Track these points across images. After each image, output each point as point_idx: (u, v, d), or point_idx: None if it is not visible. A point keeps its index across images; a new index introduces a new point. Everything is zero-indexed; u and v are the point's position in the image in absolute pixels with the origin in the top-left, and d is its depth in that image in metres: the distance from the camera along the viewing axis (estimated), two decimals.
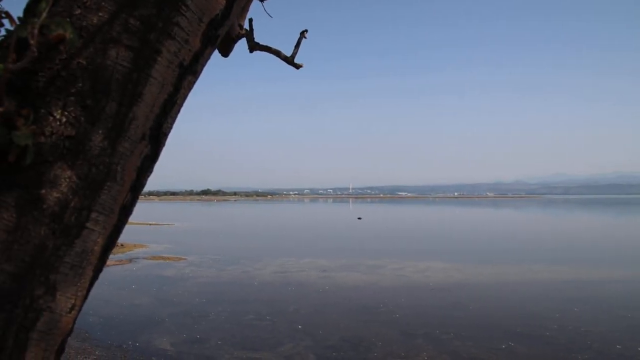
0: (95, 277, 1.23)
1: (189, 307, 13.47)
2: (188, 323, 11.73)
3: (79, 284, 1.16)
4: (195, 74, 1.39)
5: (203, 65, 1.43)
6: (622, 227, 51.36)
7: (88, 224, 1.14)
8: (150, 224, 47.86)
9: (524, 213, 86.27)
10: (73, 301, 1.15)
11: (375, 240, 34.01)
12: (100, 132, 1.13)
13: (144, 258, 22.95)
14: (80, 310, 1.20)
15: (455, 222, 58.17)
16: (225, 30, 1.45)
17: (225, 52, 3.74)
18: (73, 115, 1.10)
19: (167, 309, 13.24)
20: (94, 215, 1.15)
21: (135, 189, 1.27)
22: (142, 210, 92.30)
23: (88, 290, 1.22)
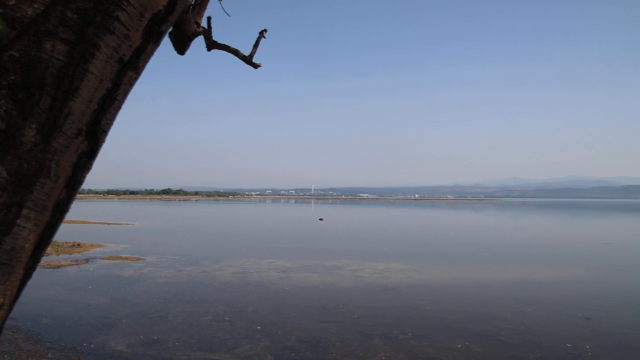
0: (27, 276, 1.20)
1: (146, 307, 13.27)
2: (145, 324, 11.55)
3: (7, 283, 1.12)
4: (137, 70, 1.36)
5: (145, 62, 1.40)
6: (573, 229, 52.81)
7: (18, 221, 1.11)
8: (108, 224, 47.02)
9: (482, 215, 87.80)
10: (2, 300, 1.12)
11: (336, 241, 34.13)
12: (32, 126, 1.10)
13: (101, 258, 22.51)
14: (10, 309, 1.16)
15: (415, 224, 58.82)
16: (169, 26, 1.43)
17: (181, 50, 3.70)
18: (3, 108, 1.07)
19: (124, 309, 13.01)
20: (25, 212, 1.12)
21: (72, 186, 1.25)
22: (100, 209, 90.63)
23: (19, 290, 1.18)
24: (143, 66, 1.41)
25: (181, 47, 3.65)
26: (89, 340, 10.17)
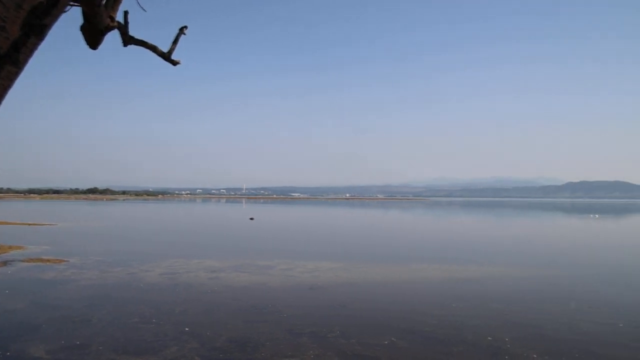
0: None
1: (69, 311, 12.83)
2: (67, 328, 11.18)
3: None
4: (17, 64, 1.33)
5: (28, 56, 1.38)
6: (496, 227, 54.90)
7: None
8: (28, 224, 45.00)
9: (410, 214, 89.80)
10: None
11: (267, 240, 34.10)
12: None
13: (20, 260, 21.54)
14: None
15: (345, 223, 59.48)
16: (54, 20, 1.41)
17: (93, 44, 3.60)
18: None
19: (44, 314, 12.54)
20: None
21: None
22: (20, 209, 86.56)
23: None
24: (25, 60, 1.38)
25: (93, 41, 3.57)
26: (5, 348, 9.74)
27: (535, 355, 9.59)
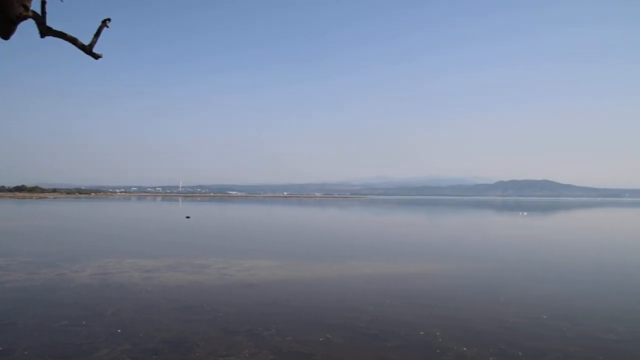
0: None
1: None
2: None
3: None
4: None
5: None
6: (429, 225, 56.22)
7: None
8: None
9: (347, 212, 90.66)
10: None
11: (203, 239, 33.70)
12: None
13: None
14: None
15: (282, 221, 59.50)
16: None
17: (4, 34, 3.45)
18: None
19: None
20: None
21: None
22: None
23: None
24: None
25: (4, 31, 3.42)
26: None
27: (465, 348, 9.91)
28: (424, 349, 9.89)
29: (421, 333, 10.93)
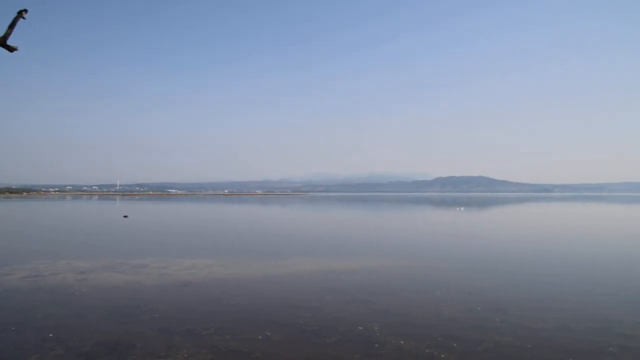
0: None
1: None
2: None
3: None
4: None
5: None
6: (369, 220, 56.95)
7: None
8: None
9: (288, 208, 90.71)
10: None
11: (141, 238, 33.03)
12: None
13: None
14: None
15: (222, 218, 58.94)
16: None
17: None
18: None
19: None
20: None
21: None
22: None
23: None
24: None
25: None
26: None
27: (402, 342, 10.11)
28: (363, 343, 10.03)
29: (360, 328, 11.08)
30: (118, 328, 11.09)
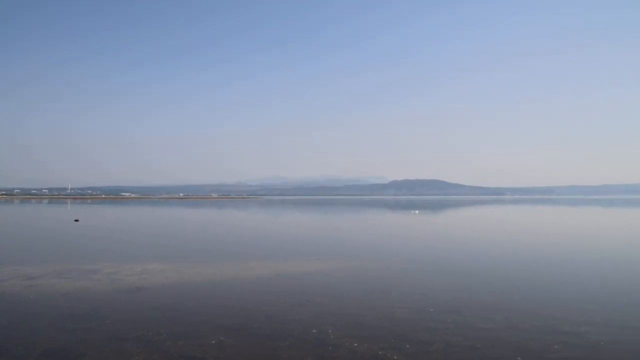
0: None
1: None
2: None
3: None
4: None
5: None
6: (324, 223, 57.14)
7: None
8: None
9: (244, 212, 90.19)
10: None
11: (92, 243, 32.27)
12: None
13: None
14: None
15: (177, 222, 58.17)
16: None
17: None
18: None
19: None
20: None
21: None
22: None
23: None
24: None
25: None
26: None
27: (356, 344, 10.20)
28: (317, 346, 10.08)
29: (314, 331, 11.13)
30: (67, 336, 10.83)
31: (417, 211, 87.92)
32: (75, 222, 53.41)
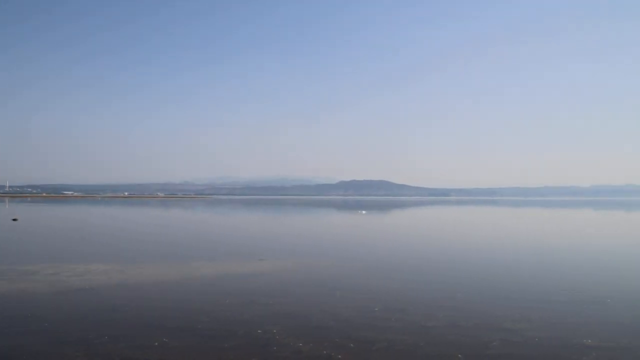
0: None
1: None
2: None
3: None
4: None
5: None
6: (272, 223, 57.12)
7: None
8: None
9: (191, 212, 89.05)
10: None
11: (32, 243, 31.27)
12: None
13: None
14: None
15: (122, 222, 57.00)
16: None
17: None
18: None
19: None
20: None
21: None
22: None
23: None
24: None
25: None
26: None
27: (301, 344, 10.25)
28: (262, 347, 10.08)
29: (259, 331, 11.12)
30: (3, 341, 10.47)
31: (364, 211, 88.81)
32: (14, 222, 51.56)
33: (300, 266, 21.15)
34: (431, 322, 12.08)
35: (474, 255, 25.45)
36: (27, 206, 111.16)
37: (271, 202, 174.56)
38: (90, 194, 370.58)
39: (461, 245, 31.38)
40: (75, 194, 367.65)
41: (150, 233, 40.76)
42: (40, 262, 21.41)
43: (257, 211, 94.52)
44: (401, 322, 12.10)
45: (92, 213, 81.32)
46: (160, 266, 20.74)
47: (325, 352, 9.81)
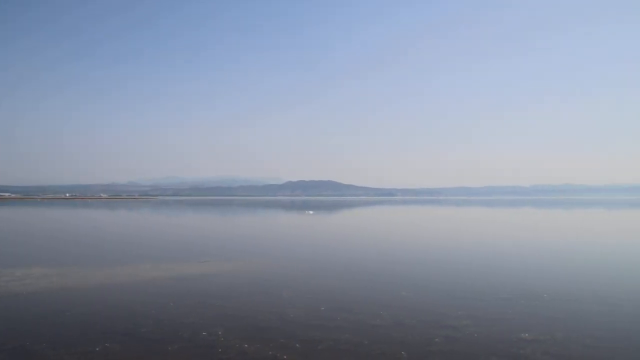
0: None
1: None
2: None
3: None
4: None
5: None
6: (218, 224, 56.63)
7: None
8: None
9: (135, 213, 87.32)
10: None
11: None
12: None
13: None
14: None
15: (63, 224, 55.31)
16: None
17: None
18: None
19: None
20: None
21: None
22: None
23: None
24: None
25: None
26: None
27: (246, 345, 10.24)
28: (207, 349, 10.02)
29: (204, 333, 11.04)
30: None
31: (311, 211, 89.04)
32: None
33: (247, 267, 21.07)
34: (376, 320, 12.27)
35: (417, 254, 25.94)
36: None
37: (217, 203, 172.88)
38: (30, 196, 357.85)
39: (406, 244, 31.89)
40: (13, 195, 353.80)
41: (92, 236, 39.71)
42: None
43: (202, 212, 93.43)
44: (347, 321, 12.23)
45: (30, 215, 78.57)
46: (104, 269, 20.26)
47: (270, 352, 9.84)
